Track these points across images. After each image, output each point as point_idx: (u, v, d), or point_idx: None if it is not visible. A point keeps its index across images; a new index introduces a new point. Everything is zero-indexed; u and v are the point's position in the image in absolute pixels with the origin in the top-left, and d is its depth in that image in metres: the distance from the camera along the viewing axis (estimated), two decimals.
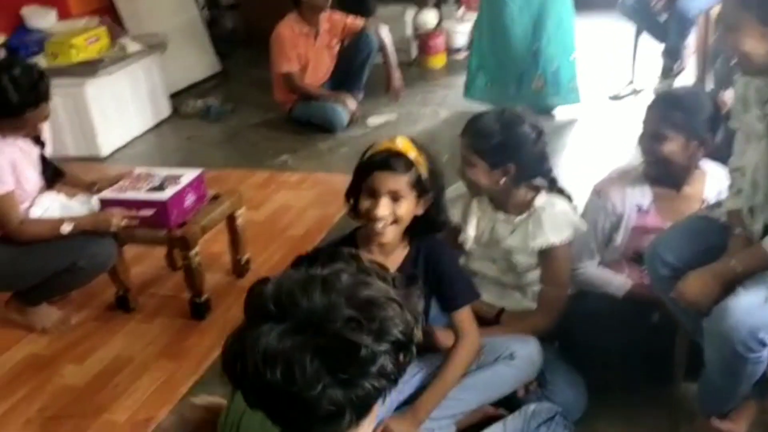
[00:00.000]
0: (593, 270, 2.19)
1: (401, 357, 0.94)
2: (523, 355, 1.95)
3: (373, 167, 1.76)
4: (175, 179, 2.61)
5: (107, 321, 2.68)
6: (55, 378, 2.39)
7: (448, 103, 4.73)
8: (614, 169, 2.29)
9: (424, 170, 1.79)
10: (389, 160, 1.75)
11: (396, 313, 0.93)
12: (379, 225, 1.76)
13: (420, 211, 1.83)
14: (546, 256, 2.09)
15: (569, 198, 2.15)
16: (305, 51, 4.42)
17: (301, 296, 0.90)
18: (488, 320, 2.20)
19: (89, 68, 4.20)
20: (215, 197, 2.75)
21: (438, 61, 5.62)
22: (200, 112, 4.93)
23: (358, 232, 1.90)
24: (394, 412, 1.92)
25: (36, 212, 2.51)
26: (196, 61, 5.60)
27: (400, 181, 1.75)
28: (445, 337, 2.06)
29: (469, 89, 4.44)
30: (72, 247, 2.41)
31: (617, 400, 2.06)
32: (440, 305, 1.96)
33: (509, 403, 1.97)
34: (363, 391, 0.90)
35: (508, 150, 2.00)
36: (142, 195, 2.52)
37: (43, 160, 2.56)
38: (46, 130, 2.59)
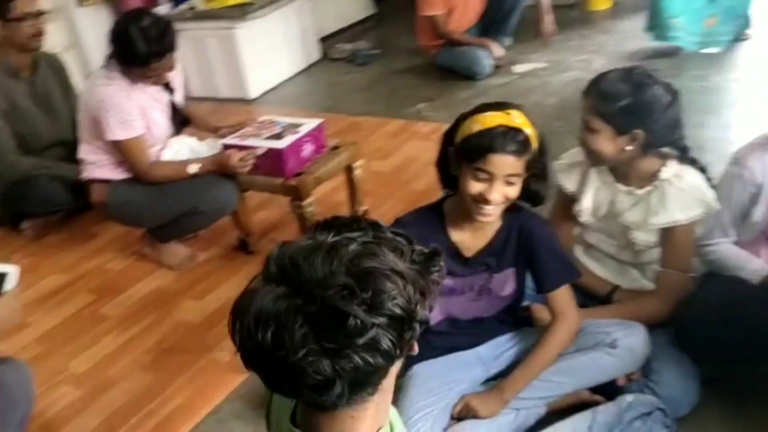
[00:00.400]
0: (725, 249, 1.92)
1: (404, 334, 0.90)
2: (626, 345, 1.78)
3: (490, 149, 1.57)
4: (295, 128, 2.62)
5: (229, 261, 2.80)
6: (175, 312, 2.54)
7: (605, 51, 4.38)
8: (762, 134, 1.99)
9: (536, 144, 1.64)
10: (510, 142, 1.57)
11: (397, 286, 0.89)
12: (490, 209, 1.64)
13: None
14: (668, 235, 1.88)
15: (703, 170, 1.90)
16: None
17: (303, 261, 0.88)
18: (600, 297, 2.05)
19: (241, 11, 4.31)
20: (334, 148, 2.73)
21: (602, 2, 5.21)
22: (348, 56, 4.95)
23: (446, 203, 1.79)
24: (481, 386, 1.86)
25: (167, 155, 2.64)
26: (349, 3, 5.61)
27: (518, 164, 1.60)
28: (543, 313, 1.94)
29: (654, 29, 4.14)
30: (194, 192, 2.52)
31: (736, 400, 1.84)
32: (534, 284, 1.84)
33: (608, 390, 1.82)
34: (351, 364, 0.86)
35: (637, 114, 1.77)
36: (261, 143, 2.56)
37: (173, 106, 2.67)
38: (177, 78, 2.68)
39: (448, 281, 1.80)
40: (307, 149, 2.61)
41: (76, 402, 2.16)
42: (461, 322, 1.88)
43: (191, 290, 2.65)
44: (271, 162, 2.53)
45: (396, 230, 1.01)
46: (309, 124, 2.65)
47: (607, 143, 1.83)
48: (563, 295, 1.79)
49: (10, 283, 1.83)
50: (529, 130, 1.60)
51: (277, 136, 2.58)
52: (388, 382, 0.99)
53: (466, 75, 4.25)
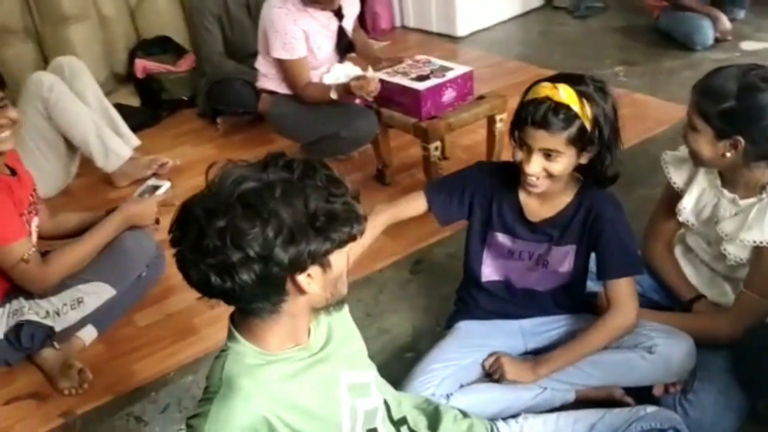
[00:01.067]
0: None
1: (269, 272, 1.03)
2: (663, 353, 1.70)
3: (526, 121, 1.58)
4: (443, 72, 2.69)
5: (365, 188, 2.94)
6: None
7: None
8: None
9: (588, 122, 1.58)
10: (545, 117, 1.55)
11: (257, 228, 1.01)
12: (531, 179, 1.65)
13: (585, 161, 1.66)
14: (758, 254, 1.72)
15: None
16: None
17: (220, 182, 1.06)
18: (681, 302, 1.93)
19: None
20: (480, 98, 2.76)
21: None
22: (570, 6, 4.77)
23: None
24: (520, 356, 1.87)
25: (327, 79, 2.86)
26: None
27: (555, 140, 1.57)
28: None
29: None
30: (339, 117, 2.72)
31: None
32: (595, 270, 1.79)
33: (644, 396, 1.75)
34: (207, 279, 1.03)
35: (740, 120, 1.62)
36: (404, 81, 2.66)
37: (341, 33, 2.85)
38: (350, 5, 2.85)
39: (506, 242, 1.83)
40: (449, 95, 2.67)
41: None
42: (515, 290, 1.89)
43: None
44: (410, 101, 2.64)
45: (339, 179, 1.12)
46: (457, 70, 2.70)
47: (706, 145, 1.69)
48: (623, 287, 1.73)
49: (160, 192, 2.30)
50: (576, 107, 1.55)
51: (423, 77, 2.67)
52: (293, 308, 1.13)
53: (684, 44, 3.92)
